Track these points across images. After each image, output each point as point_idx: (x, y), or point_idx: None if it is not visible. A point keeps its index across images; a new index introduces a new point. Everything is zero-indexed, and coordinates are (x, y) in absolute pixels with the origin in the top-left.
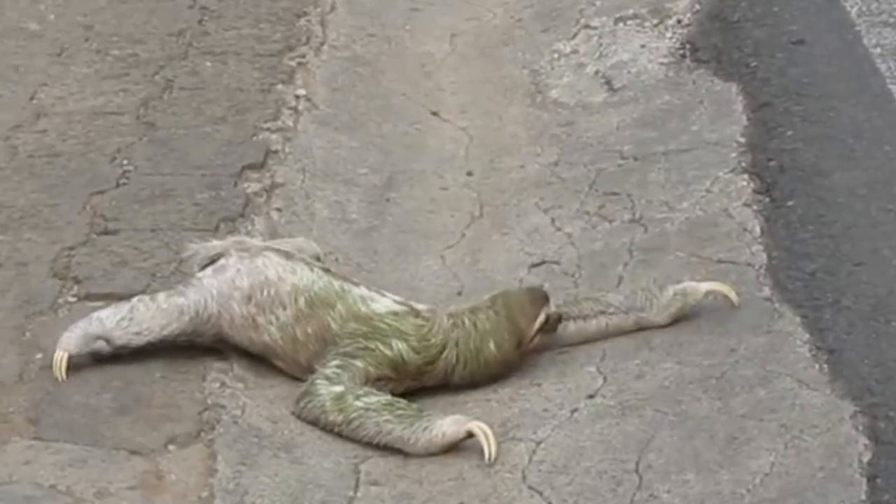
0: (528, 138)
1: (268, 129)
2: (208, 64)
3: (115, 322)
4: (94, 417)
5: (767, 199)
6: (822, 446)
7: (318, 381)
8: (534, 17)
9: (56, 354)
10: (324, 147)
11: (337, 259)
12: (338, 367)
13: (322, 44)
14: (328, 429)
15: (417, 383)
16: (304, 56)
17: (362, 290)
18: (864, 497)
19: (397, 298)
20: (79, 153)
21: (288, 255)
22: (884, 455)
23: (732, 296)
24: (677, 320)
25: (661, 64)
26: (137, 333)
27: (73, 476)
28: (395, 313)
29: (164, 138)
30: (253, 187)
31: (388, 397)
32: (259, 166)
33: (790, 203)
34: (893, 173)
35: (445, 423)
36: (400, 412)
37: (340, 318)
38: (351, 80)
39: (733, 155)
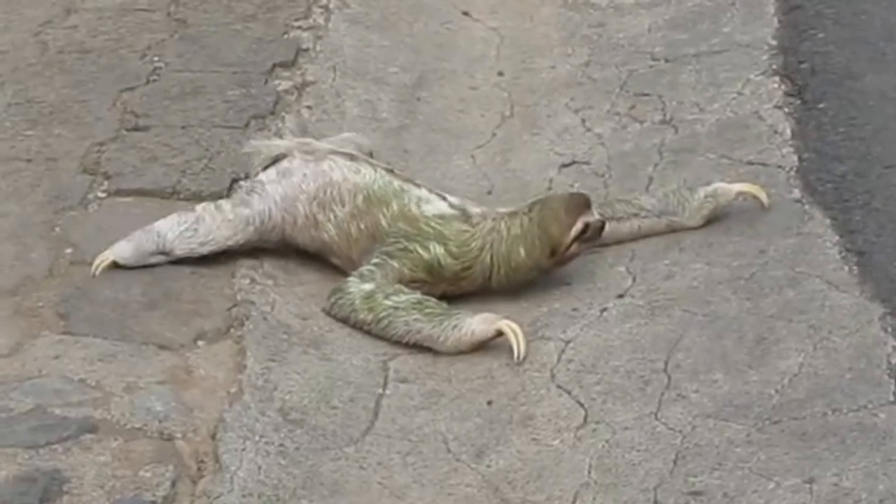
0: (560, 39)
1: (299, 27)
2: None
3: (177, 233)
4: (123, 312)
5: (798, 102)
6: (850, 347)
7: (350, 279)
8: None
9: (103, 254)
10: (354, 46)
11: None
12: (374, 265)
13: None
14: (358, 327)
15: (455, 288)
16: None
17: (421, 192)
18: (892, 398)
19: (454, 201)
20: (109, 49)
21: (353, 157)
22: None
23: (763, 197)
24: (709, 222)
25: None
26: (202, 244)
27: (102, 370)
28: (443, 216)
29: (195, 35)
30: (284, 85)
31: (418, 296)
32: (290, 64)
33: (821, 105)
34: None
35: (475, 321)
36: (429, 311)
37: (391, 216)
38: None
39: (765, 57)
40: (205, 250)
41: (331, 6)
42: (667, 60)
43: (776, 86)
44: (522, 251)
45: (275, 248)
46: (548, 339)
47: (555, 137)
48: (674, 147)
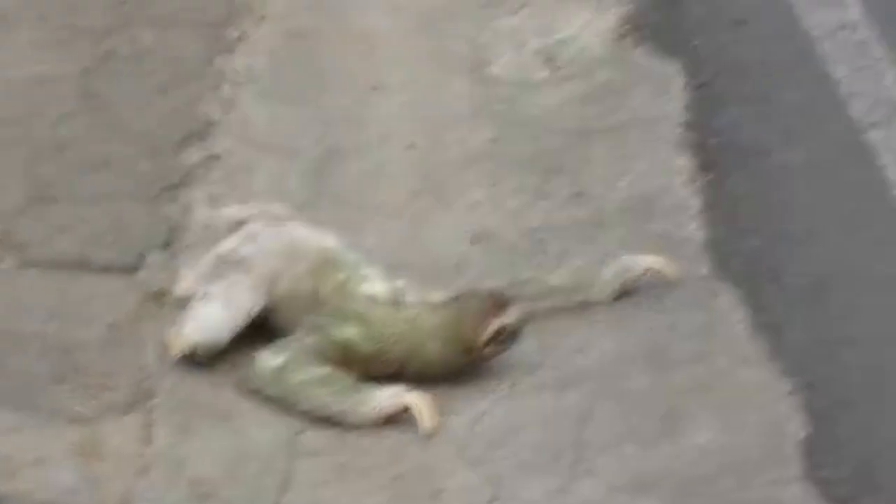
0: (470, 113)
1: (208, 99)
2: (149, 33)
3: (224, 317)
4: (31, 385)
5: (708, 177)
6: (759, 422)
7: (262, 353)
8: None
9: (187, 337)
10: (264, 119)
11: None
12: (291, 339)
13: (263, 16)
14: (268, 401)
15: (369, 371)
16: (245, 28)
17: (370, 270)
18: (800, 473)
19: (398, 285)
20: (19, 121)
21: (315, 227)
22: (821, 432)
23: (672, 272)
24: (619, 297)
25: (603, 41)
26: (241, 321)
27: (10, 443)
28: (373, 298)
29: (105, 107)
30: (193, 157)
31: (327, 370)
32: (199, 137)
33: (730, 180)
34: (832, 153)
35: (382, 396)
36: (337, 386)
37: (333, 286)
38: (292, 52)
39: (674, 132)
40: (241, 324)
41: (240, 79)
42: (577, 135)
43: (686, 161)
44: (436, 346)
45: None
46: (457, 413)
47: (465, 212)
48: (584, 221)
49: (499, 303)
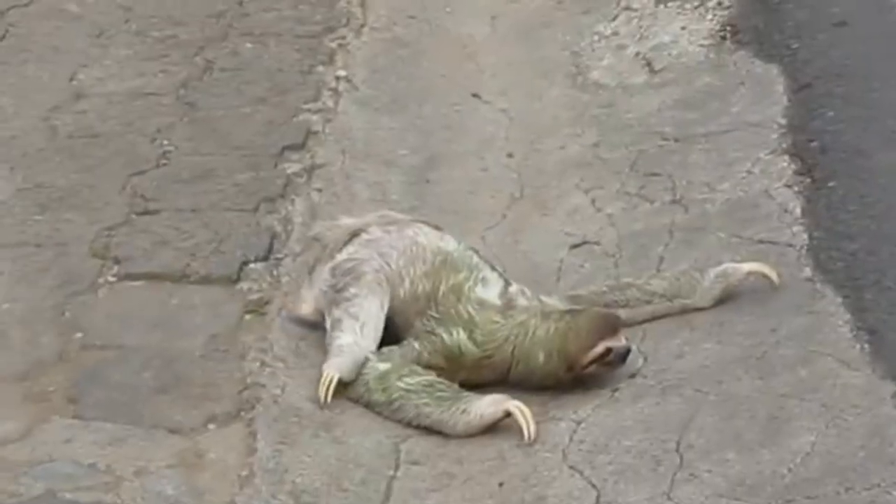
0: (569, 120)
1: (308, 109)
2: (248, 45)
3: (361, 336)
4: (133, 396)
5: (808, 180)
6: (863, 426)
7: (368, 358)
8: None
9: (326, 375)
10: (364, 128)
11: None
12: (398, 346)
13: (362, 25)
14: (371, 407)
15: (476, 376)
16: (344, 37)
17: (490, 273)
18: None
19: (512, 290)
20: (118, 134)
21: (438, 227)
22: None
23: (773, 276)
24: (720, 302)
25: (702, 45)
26: (376, 328)
27: (112, 454)
28: (483, 303)
29: (204, 119)
30: (293, 168)
31: (431, 378)
32: (299, 147)
33: (831, 184)
34: None
35: (483, 404)
36: (440, 394)
37: (451, 285)
38: (391, 61)
39: (774, 136)
40: (380, 333)
41: (340, 89)
42: (676, 140)
43: (786, 164)
44: (541, 357)
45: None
46: (559, 419)
47: (565, 218)
48: (684, 227)
49: (610, 325)
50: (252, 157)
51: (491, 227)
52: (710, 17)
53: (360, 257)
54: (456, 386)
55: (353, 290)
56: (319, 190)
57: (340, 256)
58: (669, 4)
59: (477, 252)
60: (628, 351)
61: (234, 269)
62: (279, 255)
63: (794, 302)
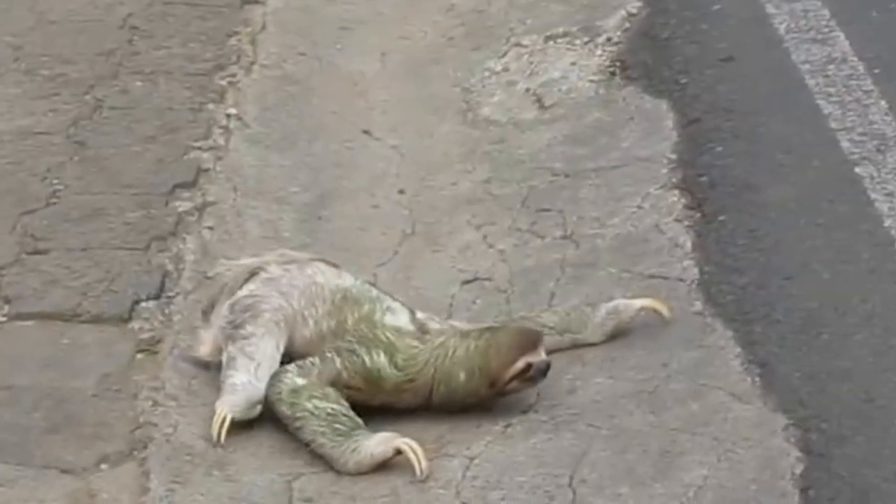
0: (460, 156)
1: (198, 147)
2: (138, 83)
3: (255, 377)
4: (24, 436)
5: (698, 215)
6: (754, 459)
7: (289, 368)
8: (464, 35)
9: (219, 413)
10: (255, 165)
11: None
12: (318, 357)
13: (252, 63)
14: (277, 415)
15: (396, 400)
16: (234, 75)
17: (394, 304)
18: None
19: (420, 317)
20: (9, 173)
21: (335, 265)
22: (816, 467)
23: (664, 311)
24: (612, 337)
25: (592, 81)
26: (271, 368)
27: (3, 495)
28: (399, 330)
29: (95, 157)
30: (184, 206)
31: (336, 406)
32: (190, 185)
33: (721, 218)
34: (822, 188)
35: (372, 443)
36: (337, 426)
37: (358, 317)
38: (282, 98)
39: (664, 171)
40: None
41: (230, 126)
42: (567, 175)
43: (676, 199)
44: (463, 376)
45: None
46: (452, 455)
47: (456, 254)
48: (575, 262)
49: (530, 340)
50: (143, 195)
51: (383, 264)
52: (599, 52)
53: (260, 295)
54: (359, 421)
55: (249, 329)
56: (211, 228)
57: (240, 294)
58: (559, 41)
59: (375, 286)
60: (548, 366)
61: (126, 308)
62: (171, 294)
63: (684, 336)
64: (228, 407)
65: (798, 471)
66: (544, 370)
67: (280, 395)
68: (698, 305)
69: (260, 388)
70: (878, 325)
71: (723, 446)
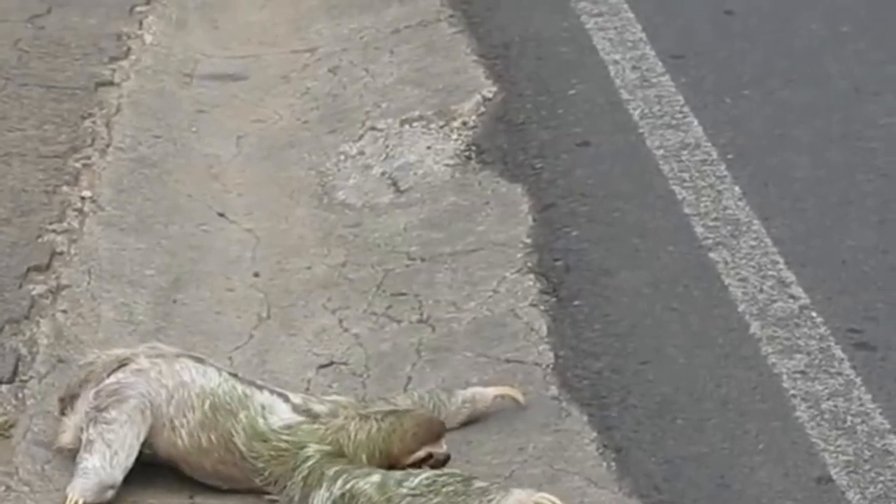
0: (315, 240)
1: (53, 230)
2: None
3: (110, 464)
4: None
5: (554, 299)
6: None
7: (350, 481)
8: (319, 119)
9: (70, 499)
10: (110, 248)
11: None
12: (340, 472)
13: (108, 145)
14: None
15: None
16: (89, 157)
17: (264, 396)
18: None
19: (297, 402)
20: None
21: (200, 360)
22: None
23: (519, 397)
24: (467, 423)
25: (448, 165)
26: (128, 458)
27: None
28: (289, 427)
29: None
30: (38, 289)
31: (429, 473)
32: (44, 268)
33: (576, 302)
34: (677, 273)
35: (510, 499)
36: (447, 489)
37: (244, 432)
38: (137, 181)
39: (520, 255)
40: (131, 462)
41: (85, 209)
42: (422, 260)
43: (531, 283)
44: (364, 458)
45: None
46: None
47: (312, 338)
48: (431, 346)
49: (434, 430)
50: None
51: (238, 347)
52: (455, 136)
53: (127, 383)
54: (453, 471)
55: (113, 414)
56: (65, 311)
57: (106, 381)
58: (414, 125)
59: (236, 376)
60: (448, 458)
61: None
62: (24, 378)
63: (540, 420)
64: (79, 492)
65: None
66: (443, 462)
67: (372, 501)
68: (554, 390)
69: (113, 474)
70: (733, 410)
71: None
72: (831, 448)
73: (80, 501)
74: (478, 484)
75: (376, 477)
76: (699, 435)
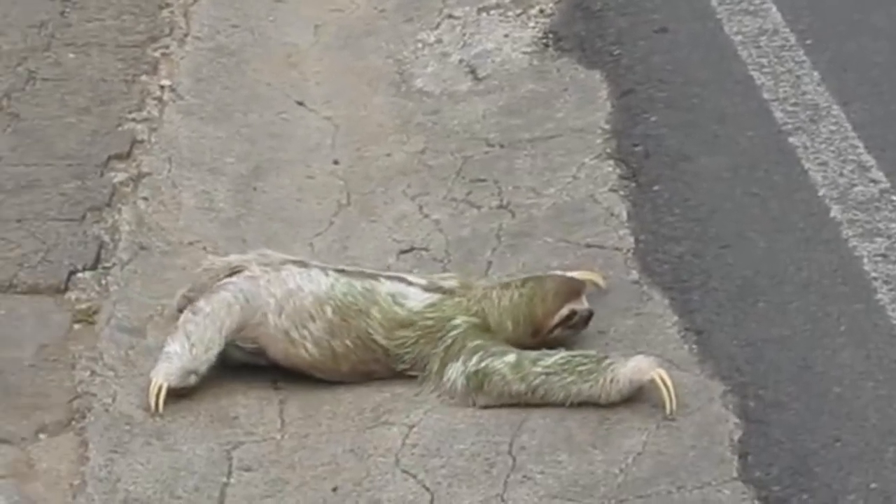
0: (394, 127)
1: (133, 119)
2: (71, 55)
3: (190, 351)
4: None
5: (633, 184)
6: (693, 425)
7: (486, 359)
8: (396, 7)
9: (154, 382)
10: (189, 137)
11: (205, 248)
12: (477, 347)
13: (186, 35)
14: (513, 400)
15: None
16: (167, 47)
17: (386, 285)
18: (735, 474)
19: (422, 283)
20: None
21: (304, 264)
22: (754, 433)
23: (600, 281)
24: None
25: (525, 53)
26: (208, 349)
27: None
28: (433, 305)
29: (29, 129)
30: (119, 177)
31: (563, 353)
32: (125, 156)
33: (656, 188)
34: (756, 158)
35: (629, 371)
36: (581, 368)
37: (381, 328)
38: (215, 70)
39: (598, 141)
40: (213, 355)
41: (164, 98)
42: (501, 146)
43: (611, 169)
44: (510, 325)
45: (251, 355)
46: (391, 424)
47: (392, 224)
48: (511, 231)
49: (574, 288)
50: (77, 166)
51: (319, 234)
52: (532, 24)
53: (232, 282)
54: (587, 351)
55: (200, 304)
56: (146, 199)
57: (222, 281)
58: (492, 13)
59: (343, 271)
60: (591, 314)
61: (62, 279)
62: (107, 265)
63: (622, 305)
64: (163, 376)
65: (736, 437)
66: (587, 318)
67: (506, 378)
68: (635, 274)
69: (195, 361)
70: (815, 293)
71: (661, 413)
72: None
73: (165, 385)
74: (605, 360)
75: (511, 357)
76: (781, 317)
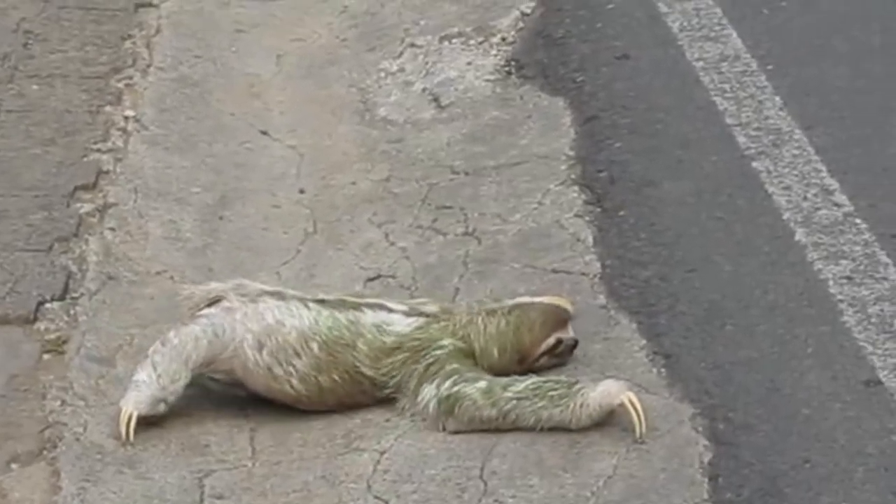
0: (359, 155)
1: (98, 149)
2: (35, 87)
3: (158, 382)
4: None
5: (599, 210)
6: (663, 448)
7: (458, 384)
8: (359, 36)
9: (124, 411)
10: (155, 167)
11: (172, 278)
12: (453, 371)
13: (149, 65)
14: (484, 426)
15: None
16: (131, 78)
17: (369, 315)
18: (706, 496)
19: (403, 308)
20: None
21: (281, 296)
22: (723, 455)
23: (568, 307)
24: None
25: (488, 80)
26: (174, 381)
27: None
28: (420, 328)
29: None
30: (86, 207)
31: (534, 379)
32: (91, 187)
33: (621, 213)
34: (720, 182)
35: (598, 395)
36: (551, 392)
37: (368, 359)
38: (179, 100)
39: (563, 167)
40: (180, 386)
41: (129, 128)
42: (466, 173)
43: (576, 195)
44: (495, 352)
45: (228, 385)
46: (362, 450)
47: (359, 252)
48: (478, 258)
49: (560, 317)
50: (44, 197)
51: (286, 263)
52: (494, 52)
53: (208, 314)
54: (563, 378)
55: (169, 336)
56: (113, 229)
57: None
58: (454, 41)
59: (323, 302)
60: (576, 343)
61: (31, 310)
62: (75, 295)
63: (590, 329)
64: (133, 404)
65: (706, 459)
66: (573, 347)
67: (476, 403)
68: (602, 299)
69: (164, 388)
70: (781, 316)
71: (631, 437)
72: (879, 351)
73: (135, 414)
74: (575, 385)
75: (483, 383)
76: (748, 340)
